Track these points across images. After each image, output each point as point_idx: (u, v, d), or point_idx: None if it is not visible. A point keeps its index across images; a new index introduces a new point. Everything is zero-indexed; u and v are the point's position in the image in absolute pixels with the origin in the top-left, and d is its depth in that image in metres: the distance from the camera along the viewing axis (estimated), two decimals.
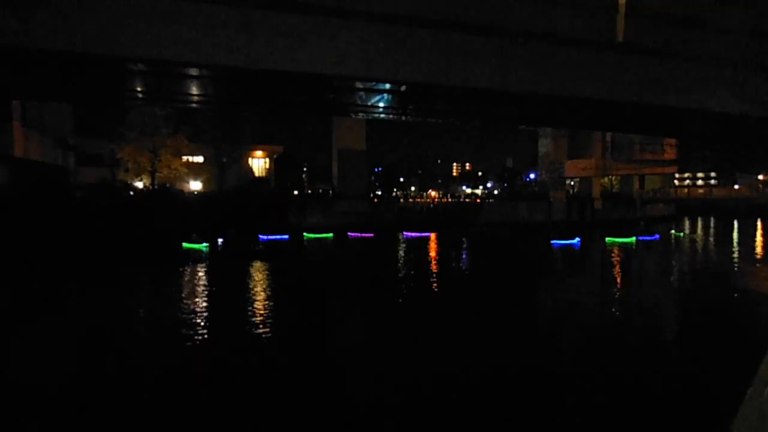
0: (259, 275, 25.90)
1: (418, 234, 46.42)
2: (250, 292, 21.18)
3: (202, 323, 15.97)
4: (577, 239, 39.47)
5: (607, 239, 40.13)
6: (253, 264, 28.77)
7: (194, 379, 11.36)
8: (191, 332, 14.68)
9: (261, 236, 38.91)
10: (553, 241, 39.35)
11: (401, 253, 36.08)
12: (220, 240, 35.29)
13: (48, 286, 22.07)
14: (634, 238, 40.47)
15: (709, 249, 41.29)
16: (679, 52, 25.21)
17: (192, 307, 18.30)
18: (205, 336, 14.56)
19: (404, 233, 46.66)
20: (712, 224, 68.39)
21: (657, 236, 43.34)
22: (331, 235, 43.61)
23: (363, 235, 44.68)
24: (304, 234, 43.08)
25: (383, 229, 47.40)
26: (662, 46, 24.53)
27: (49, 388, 10.61)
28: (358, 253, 36.66)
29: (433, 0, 21.09)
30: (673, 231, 47.82)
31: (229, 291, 21.52)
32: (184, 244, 33.91)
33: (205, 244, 34.35)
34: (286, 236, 40.38)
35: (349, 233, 44.99)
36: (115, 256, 30.15)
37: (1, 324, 15.86)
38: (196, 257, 30.68)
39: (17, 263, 26.50)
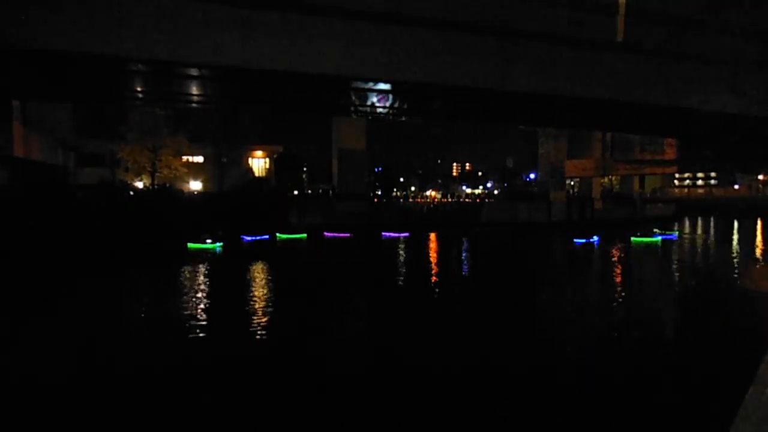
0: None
1: (396, 234, 45.90)
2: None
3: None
4: (596, 238, 39.52)
5: (632, 239, 40.02)
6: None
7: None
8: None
9: (244, 237, 38.54)
10: (575, 240, 39.43)
11: (372, 253, 35.27)
12: (209, 240, 35.08)
13: (49, 286, 22.05)
14: (659, 238, 40.69)
15: (719, 247, 41.24)
16: (680, 52, 25.19)
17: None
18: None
19: (383, 233, 46.03)
20: (711, 224, 68.30)
21: (675, 236, 44.07)
22: (304, 235, 42.44)
23: (339, 235, 44.14)
24: (277, 235, 41.71)
25: (379, 229, 46.90)
26: (662, 46, 24.47)
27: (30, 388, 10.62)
28: (322, 255, 35.80)
29: (434, 0, 21.04)
30: (657, 230, 47.57)
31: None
32: (190, 245, 33.91)
33: (219, 244, 34.58)
34: (266, 236, 39.81)
35: (325, 233, 44.28)
36: (115, 256, 30.09)
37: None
38: (198, 258, 30.59)
39: (18, 263, 26.45)
